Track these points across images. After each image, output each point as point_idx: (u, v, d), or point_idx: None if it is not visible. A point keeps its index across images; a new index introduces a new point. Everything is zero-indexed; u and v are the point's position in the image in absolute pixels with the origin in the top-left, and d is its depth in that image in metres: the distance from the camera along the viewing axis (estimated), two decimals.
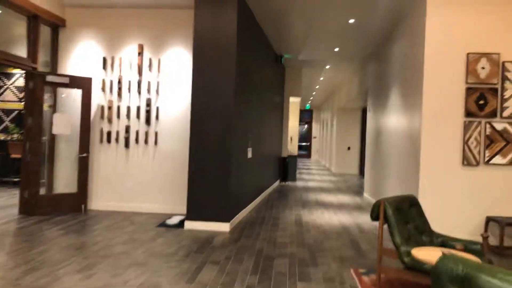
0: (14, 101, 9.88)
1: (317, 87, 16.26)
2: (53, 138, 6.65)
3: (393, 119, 7.11)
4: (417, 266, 3.07)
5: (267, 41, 8.65)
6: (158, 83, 6.58)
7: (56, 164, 6.73)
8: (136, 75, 6.61)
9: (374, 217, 3.56)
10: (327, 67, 11.80)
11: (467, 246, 3.28)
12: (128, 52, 6.65)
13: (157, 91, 6.58)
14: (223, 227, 5.54)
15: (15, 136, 9.43)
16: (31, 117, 6.07)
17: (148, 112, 6.58)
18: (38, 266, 3.81)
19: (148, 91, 6.59)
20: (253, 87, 7.23)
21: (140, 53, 6.58)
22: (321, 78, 13.96)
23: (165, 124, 6.61)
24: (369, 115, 9.71)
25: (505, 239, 5.16)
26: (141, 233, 5.20)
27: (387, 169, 7.36)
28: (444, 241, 3.47)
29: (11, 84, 9.95)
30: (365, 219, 6.71)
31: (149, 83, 6.58)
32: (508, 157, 5.21)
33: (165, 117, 6.61)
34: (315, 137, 26.03)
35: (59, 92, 6.65)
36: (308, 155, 26.50)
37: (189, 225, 5.58)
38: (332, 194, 9.70)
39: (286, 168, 11.82)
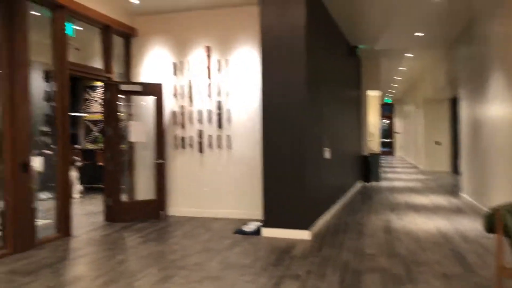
0: (100, 112, 10.48)
1: (397, 78, 15.04)
2: (132, 145, 6.79)
3: (496, 109, 6.08)
4: None
5: (339, 32, 8.04)
6: (227, 85, 6.37)
7: (136, 171, 6.86)
8: (205, 78, 6.48)
9: (489, 229, 2.88)
10: (408, 55, 10.75)
11: None
12: (196, 55, 6.54)
13: (227, 93, 6.37)
14: (303, 234, 5.11)
15: (101, 145, 9.97)
16: (110, 126, 6.23)
17: (219, 115, 6.40)
18: (116, 277, 3.74)
19: (218, 93, 6.41)
20: (327, 83, 6.70)
21: (208, 55, 6.43)
22: (402, 68, 12.83)
23: (237, 127, 6.37)
24: (463, 106, 8.58)
25: None
26: (217, 241, 4.98)
27: (491, 166, 6.33)
28: None
29: (96, 96, 10.58)
30: (467, 225, 5.80)
31: (218, 85, 6.40)
32: None
33: (236, 120, 6.37)
34: (398, 133, 24.28)
35: (138, 100, 6.76)
36: (391, 152, 24.84)
37: (266, 232, 5.25)
38: (423, 195, 8.73)
39: (368, 167, 11.00)
